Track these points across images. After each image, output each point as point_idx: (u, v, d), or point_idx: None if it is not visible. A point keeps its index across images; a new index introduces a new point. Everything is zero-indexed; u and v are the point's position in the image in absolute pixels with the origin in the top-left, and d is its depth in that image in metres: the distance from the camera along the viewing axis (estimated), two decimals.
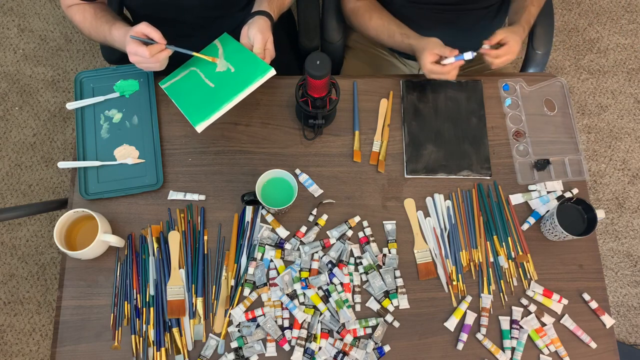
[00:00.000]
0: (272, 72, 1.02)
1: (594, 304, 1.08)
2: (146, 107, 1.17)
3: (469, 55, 1.09)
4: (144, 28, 1.01)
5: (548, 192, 1.16)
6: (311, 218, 1.12)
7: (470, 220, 1.13)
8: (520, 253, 1.11)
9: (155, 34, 1.02)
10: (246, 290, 1.05)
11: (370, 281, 1.06)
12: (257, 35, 1.04)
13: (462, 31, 1.33)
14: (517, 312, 1.07)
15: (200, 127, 1.02)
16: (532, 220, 1.13)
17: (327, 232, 1.11)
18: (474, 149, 1.18)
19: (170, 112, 1.19)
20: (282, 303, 1.05)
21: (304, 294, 1.05)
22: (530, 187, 1.16)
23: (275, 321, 1.04)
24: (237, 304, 1.05)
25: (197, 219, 1.11)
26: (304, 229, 1.11)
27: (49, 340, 1.76)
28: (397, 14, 1.26)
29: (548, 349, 1.05)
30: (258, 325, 1.03)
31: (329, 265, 1.07)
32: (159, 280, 1.06)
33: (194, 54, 1.08)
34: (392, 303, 1.06)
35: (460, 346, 1.04)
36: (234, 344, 1.02)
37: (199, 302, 1.04)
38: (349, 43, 1.48)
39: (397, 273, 1.08)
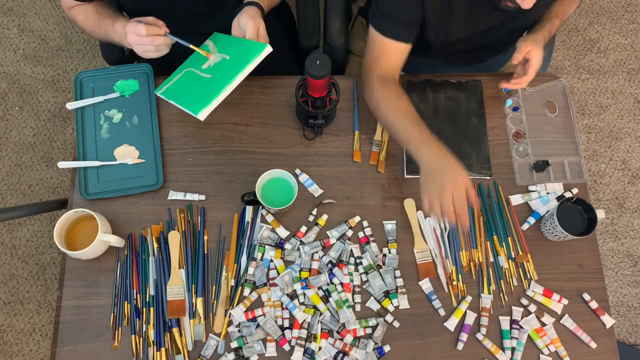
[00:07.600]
0: (269, 48, 1.00)
1: (594, 304, 1.08)
2: (146, 107, 1.17)
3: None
4: (151, 18, 1.05)
5: (547, 193, 1.15)
6: (311, 218, 1.11)
7: (470, 220, 1.13)
8: (520, 253, 1.11)
9: (159, 22, 1.05)
10: (246, 290, 1.05)
11: (370, 281, 1.06)
12: (249, 21, 1.03)
13: (484, 65, 1.37)
14: (517, 312, 1.07)
15: (202, 115, 0.99)
16: (532, 220, 1.13)
17: (327, 232, 1.10)
18: (474, 149, 1.18)
19: (171, 112, 1.19)
20: (282, 303, 1.05)
21: (304, 294, 1.05)
22: (530, 188, 1.16)
23: (275, 321, 1.04)
24: (237, 304, 1.05)
25: (197, 219, 1.11)
26: (304, 229, 1.11)
27: (49, 340, 1.76)
28: (431, 56, 1.26)
29: (548, 349, 1.05)
30: (258, 325, 1.03)
31: (329, 265, 1.07)
32: (159, 280, 1.06)
33: (192, 46, 1.07)
34: (392, 303, 1.06)
35: (460, 346, 1.04)
36: (234, 344, 1.02)
37: (199, 302, 1.04)
38: (352, 49, 1.48)
39: (397, 273, 1.08)
